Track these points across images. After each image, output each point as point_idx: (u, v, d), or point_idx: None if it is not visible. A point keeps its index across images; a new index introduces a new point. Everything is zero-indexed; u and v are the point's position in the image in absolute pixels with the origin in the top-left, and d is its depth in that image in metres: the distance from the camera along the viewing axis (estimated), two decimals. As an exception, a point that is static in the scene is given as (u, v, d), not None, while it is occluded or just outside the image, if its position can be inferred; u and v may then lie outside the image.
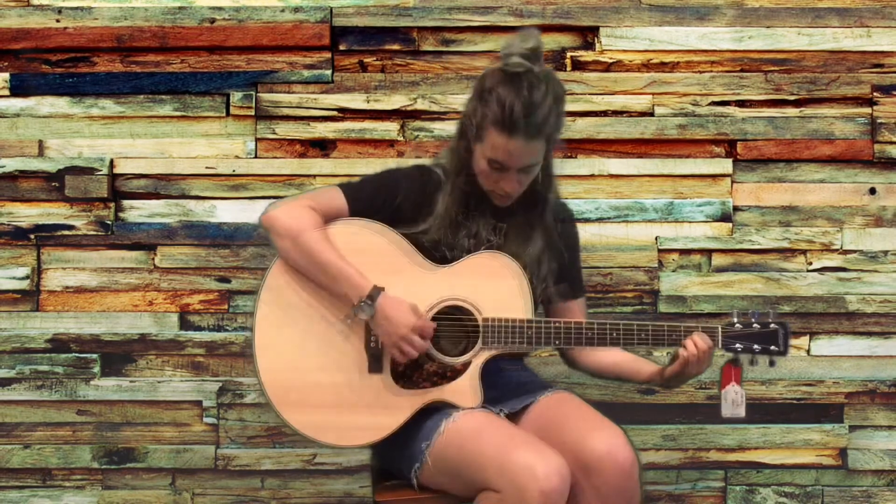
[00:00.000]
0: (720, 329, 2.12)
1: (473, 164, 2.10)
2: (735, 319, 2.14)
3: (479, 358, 2.09)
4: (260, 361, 2.09)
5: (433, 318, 2.09)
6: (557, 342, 2.10)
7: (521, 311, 2.09)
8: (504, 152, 2.02)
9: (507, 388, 2.17)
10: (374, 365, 2.09)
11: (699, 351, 2.06)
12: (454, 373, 2.09)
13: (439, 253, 2.11)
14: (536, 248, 2.16)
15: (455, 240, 2.11)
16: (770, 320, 2.14)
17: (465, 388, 2.08)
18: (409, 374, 2.08)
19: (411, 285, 2.08)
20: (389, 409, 2.07)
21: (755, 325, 2.14)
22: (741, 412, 2.18)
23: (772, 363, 2.14)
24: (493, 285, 2.09)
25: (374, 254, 2.09)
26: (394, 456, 2.13)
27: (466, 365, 2.09)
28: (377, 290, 2.03)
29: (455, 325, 2.11)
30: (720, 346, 2.12)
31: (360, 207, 2.11)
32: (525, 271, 2.11)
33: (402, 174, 2.18)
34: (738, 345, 2.13)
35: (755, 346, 2.13)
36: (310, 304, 2.10)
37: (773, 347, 2.13)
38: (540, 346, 2.11)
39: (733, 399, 2.17)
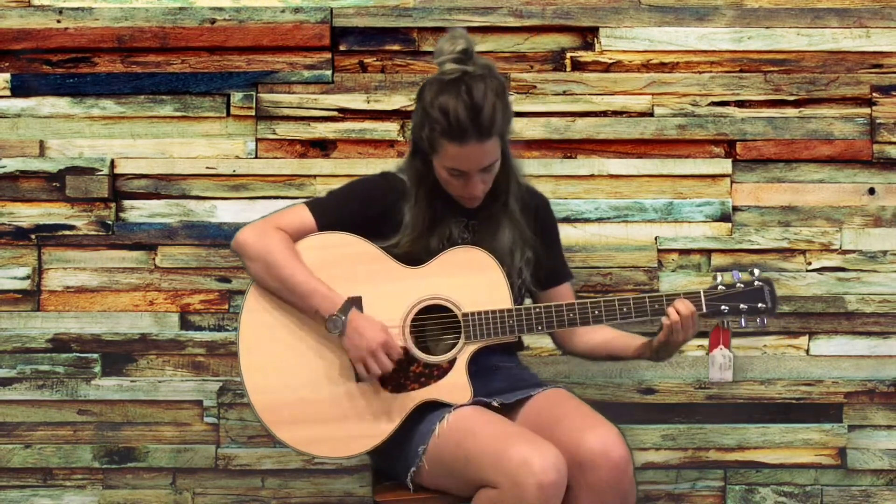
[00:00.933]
0: (703, 293, 2.10)
1: (435, 174, 2.11)
2: (717, 281, 2.12)
3: (464, 353, 2.10)
4: (248, 383, 2.09)
5: (414, 320, 2.10)
6: (540, 327, 2.10)
7: (501, 302, 2.10)
8: (460, 160, 2.03)
9: (502, 385, 2.17)
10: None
11: (682, 317, 2.06)
12: (441, 371, 2.09)
13: (415, 261, 2.12)
14: (506, 239, 2.16)
15: (429, 247, 2.12)
16: (754, 278, 2.12)
17: (453, 385, 2.09)
18: (396, 378, 2.09)
19: (388, 291, 2.09)
20: (381, 416, 2.08)
21: (739, 284, 2.11)
22: (728, 376, 2.16)
23: (762, 322, 2.12)
24: (470, 280, 2.10)
25: (346, 265, 2.10)
26: (390, 460, 2.13)
27: (452, 362, 2.10)
28: (348, 305, 2.04)
29: (436, 323, 2.12)
30: (704, 309, 2.10)
31: (328, 222, 2.13)
32: (499, 262, 2.12)
33: (366, 184, 2.20)
34: (723, 306, 2.10)
35: (742, 306, 2.10)
36: (291, 321, 2.10)
37: (760, 305, 2.11)
38: (523, 333, 2.12)
39: (720, 363, 2.16)
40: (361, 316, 2.05)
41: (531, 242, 2.21)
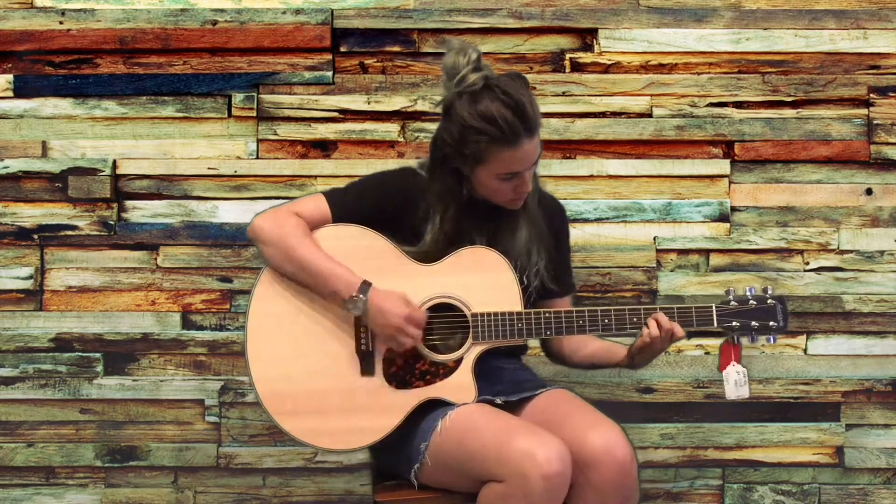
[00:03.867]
0: (714, 307, 2.11)
1: (475, 187, 2.11)
2: (730, 297, 2.12)
3: (470, 353, 2.10)
4: (254, 372, 2.10)
5: None
6: (549, 332, 2.10)
7: (510, 304, 2.10)
8: (515, 162, 2.04)
9: (505, 386, 2.17)
10: (366, 367, 2.10)
11: (662, 331, 2.07)
12: (447, 370, 2.10)
13: (429, 260, 2.12)
14: (524, 238, 2.16)
15: (447, 252, 2.12)
16: (767, 296, 2.12)
17: (458, 385, 2.09)
18: (402, 374, 2.10)
19: (398, 286, 2.08)
20: (384, 411, 2.08)
21: (751, 301, 2.11)
22: (745, 392, 2.14)
23: (772, 339, 2.12)
24: (481, 280, 2.10)
25: (359, 258, 2.10)
26: (392, 457, 2.14)
27: (458, 361, 2.10)
28: (367, 284, 2.05)
29: (445, 322, 2.12)
30: (716, 325, 2.10)
31: (344, 213, 2.13)
32: (515, 263, 2.12)
33: (385, 178, 2.20)
34: (734, 322, 2.10)
35: (753, 323, 2.10)
36: (299, 311, 2.11)
37: (772, 324, 2.10)
38: (531, 336, 2.12)
39: (735, 379, 2.14)
40: (381, 292, 2.04)
41: (548, 243, 2.22)
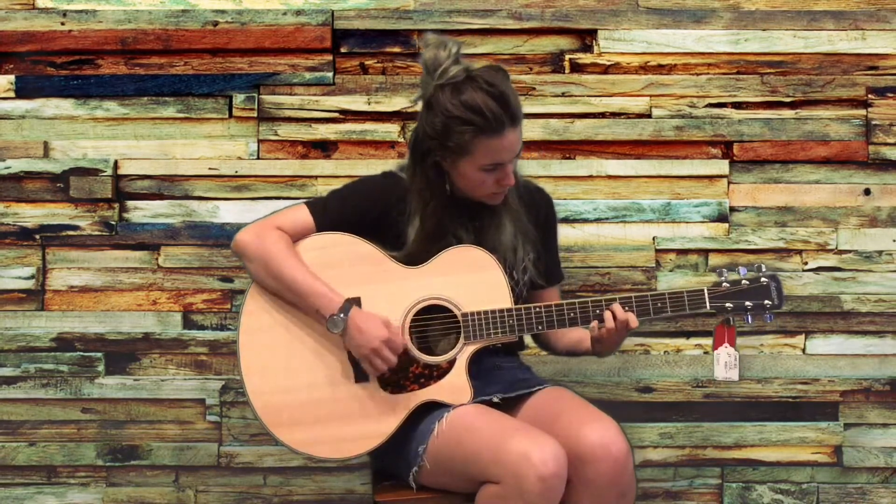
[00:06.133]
0: (706, 290, 2.09)
1: (456, 181, 2.11)
2: (722, 278, 2.10)
3: (463, 354, 2.10)
4: (248, 385, 2.10)
5: (413, 320, 2.10)
6: (541, 327, 2.10)
7: (500, 301, 2.10)
8: (499, 152, 2.04)
9: (503, 384, 2.18)
10: (360, 374, 2.10)
11: (618, 322, 2.07)
12: (440, 372, 2.10)
13: (416, 262, 2.12)
14: (509, 235, 2.17)
15: (433, 252, 2.12)
16: (760, 275, 2.10)
17: (453, 386, 2.09)
18: (396, 378, 2.09)
19: (387, 291, 2.09)
20: (381, 416, 2.08)
21: (744, 281, 2.09)
22: (734, 376, 2.13)
23: (770, 318, 2.10)
24: (469, 279, 2.10)
25: (345, 266, 2.10)
26: (391, 461, 2.14)
27: (451, 362, 2.10)
28: (349, 304, 2.05)
29: (436, 323, 2.12)
30: (708, 307, 2.09)
31: (327, 221, 2.13)
32: (502, 260, 2.12)
33: (368, 183, 2.20)
34: (728, 304, 2.08)
35: (747, 304, 2.08)
36: (290, 322, 2.11)
37: (766, 302, 2.08)
38: (523, 332, 2.12)
39: (726, 361, 2.14)
40: (362, 314, 2.06)
41: (533, 238, 2.23)
